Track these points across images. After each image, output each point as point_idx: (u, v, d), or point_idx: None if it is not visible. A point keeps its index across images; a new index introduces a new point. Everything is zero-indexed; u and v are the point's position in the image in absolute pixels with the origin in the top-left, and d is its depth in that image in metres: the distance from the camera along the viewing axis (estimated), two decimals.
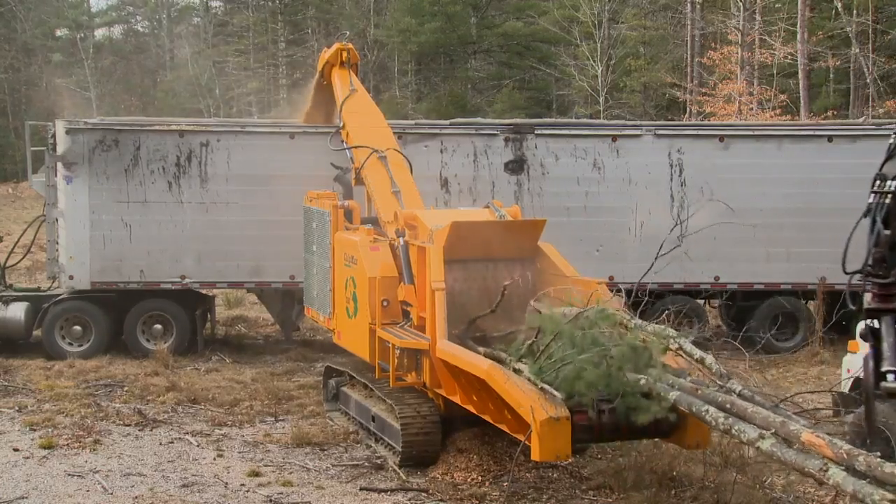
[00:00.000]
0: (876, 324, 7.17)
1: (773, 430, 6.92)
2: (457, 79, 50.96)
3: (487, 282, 10.36)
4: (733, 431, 7.20)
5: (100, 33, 67.15)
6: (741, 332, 14.41)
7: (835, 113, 33.92)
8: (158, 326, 15.55)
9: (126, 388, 13.42)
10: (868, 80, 34.30)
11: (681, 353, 8.37)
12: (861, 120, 19.01)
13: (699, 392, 7.78)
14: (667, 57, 43.94)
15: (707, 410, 7.49)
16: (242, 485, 9.62)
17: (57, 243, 15.42)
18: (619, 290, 10.35)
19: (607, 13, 42.96)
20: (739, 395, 7.52)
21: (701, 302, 16.57)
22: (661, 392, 7.90)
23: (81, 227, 15.22)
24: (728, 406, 7.42)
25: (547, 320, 8.70)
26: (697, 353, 8.23)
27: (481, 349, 9.44)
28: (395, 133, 13.75)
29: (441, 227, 10.21)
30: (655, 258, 10.04)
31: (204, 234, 15.38)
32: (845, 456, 6.41)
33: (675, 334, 8.45)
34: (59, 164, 15.19)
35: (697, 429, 8.42)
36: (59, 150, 15.17)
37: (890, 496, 6.00)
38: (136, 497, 9.24)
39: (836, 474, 6.34)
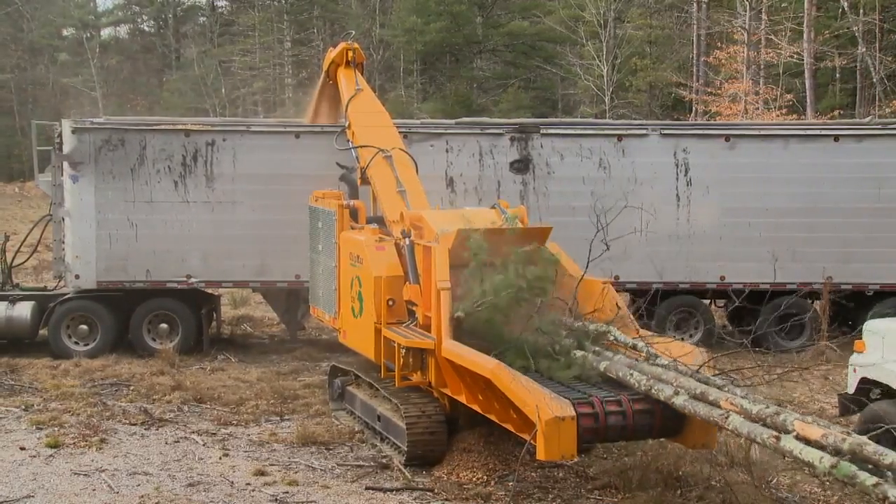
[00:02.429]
0: None
1: (683, 388, 8.00)
2: (462, 78, 50.96)
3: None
4: (653, 391, 8.22)
5: (106, 33, 67.39)
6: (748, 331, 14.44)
7: (841, 112, 33.88)
8: (164, 326, 15.57)
9: (132, 388, 13.43)
10: (874, 80, 34.27)
11: (616, 341, 9.36)
12: (867, 119, 18.96)
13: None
14: (672, 56, 43.94)
15: (632, 374, 8.56)
16: (248, 484, 9.63)
17: (63, 242, 15.43)
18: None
19: (613, 13, 42.95)
20: (664, 367, 8.59)
21: (707, 302, 16.58)
22: (594, 362, 9.00)
23: (87, 226, 15.25)
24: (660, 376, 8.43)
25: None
26: (630, 340, 9.21)
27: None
28: (400, 132, 13.73)
29: (447, 231, 10.20)
30: (587, 263, 10.25)
31: (209, 233, 15.38)
32: (756, 419, 7.30)
33: (606, 328, 9.49)
34: (66, 164, 15.22)
35: (703, 429, 8.44)
36: (66, 149, 15.20)
37: (775, 434, 7.04)
38: (142, 496, 9.25)
39: (735, 420, 7.38)
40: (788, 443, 6.94)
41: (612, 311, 10.02)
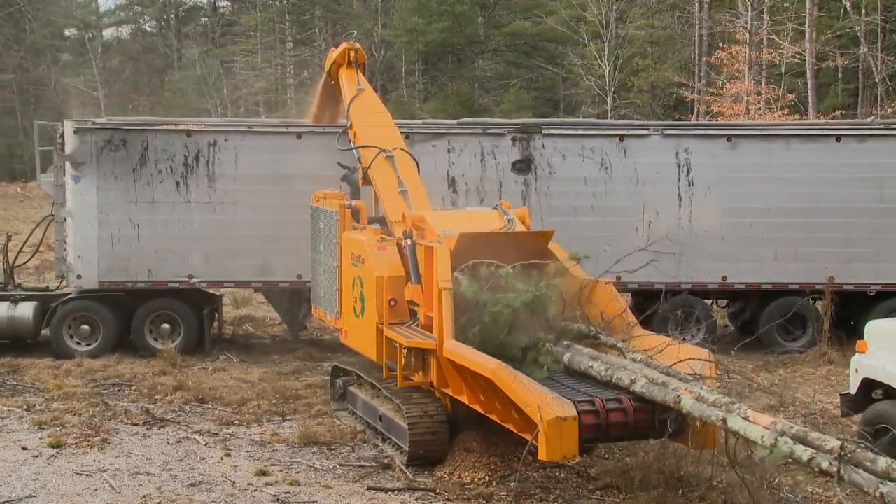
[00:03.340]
0: None
1: (644, 376, 8.50)
2: (464, 78, 50.98)
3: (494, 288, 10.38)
4: (614, 380, 8.70)
5: (108, 33, 67.46)
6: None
7: (843, 112, 33.86)
8: (166, 326, 15.57)
9: (134, 388, 13.44)
10: (877, 80, 34.25)
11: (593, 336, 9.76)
12: (869, 119, 18.94)
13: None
14: (674, 56, 43.94)
15: (591, 366, 9.02)
16: (250, 484, 9.64)
17: (65, 243, 15.44)
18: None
19: (615, 13, 42.94)
20: (634, 361, 9.00)
21: (708, 302, 16.58)
22: (557, 354, 9.43)
23: (89, 226, 15.25)
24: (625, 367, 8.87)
25: (467, 290, 9.62)
26: (609, 338, 9.69)
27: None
28: (402, 132, 13.72)
29: (449, 233, 10.20)
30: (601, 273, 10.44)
31: (211, 233, 15.39)
32: (710, 405, 7.86)
33: (586, 328, 9.84)
34: (68, 164, 15.22)
35: (705, 429, 8.43)
36: (68, 149, 15.20)
37: (723, 415, 7.64)
38: (144, 496, 9.26)
39: (687, 403, 7.98)
40: (734, 422, 7.54)
41: (611, 310, 10.05)
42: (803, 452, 7.01)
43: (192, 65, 57.35)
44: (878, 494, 6.58)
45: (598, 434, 8.43)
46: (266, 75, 52.32)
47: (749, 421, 7.47)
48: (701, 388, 8.13)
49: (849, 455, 6.81)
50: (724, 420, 7.60)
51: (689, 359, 8.93)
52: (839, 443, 6.93)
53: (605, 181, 15.70)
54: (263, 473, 9.90)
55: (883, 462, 6.71)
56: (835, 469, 6.77)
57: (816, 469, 6.96)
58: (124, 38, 68.05)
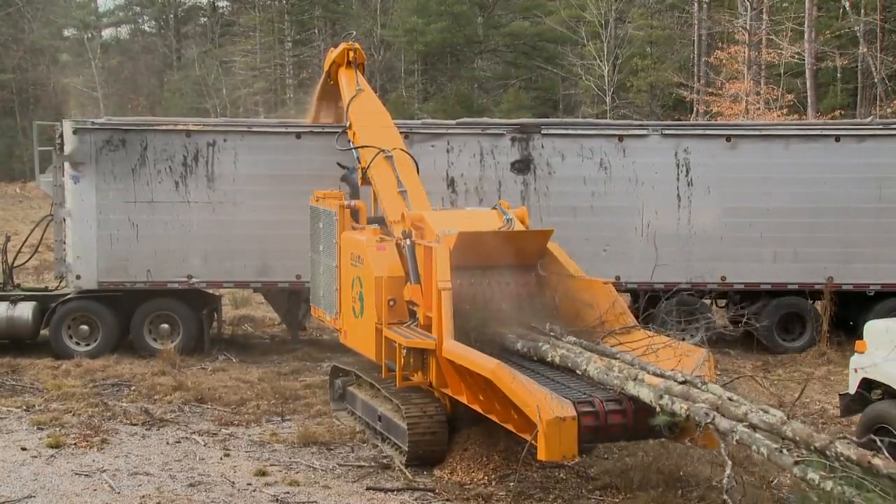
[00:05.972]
0: None
1: (568, 351, 9.25)
2: (463, 78, 51.00)
3: (494, 288, 10.38)
4: (569, 364, 9.18)
5: (107, 33, 67.47)
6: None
7: (842, 112, 33.88)
8: (165, 326, 15.56)
9: (133, 388, 13.44)
10: (876, 80, 34.27)
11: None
12: (868, 120, 18.94)
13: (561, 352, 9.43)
14: (673, 56, 43.98)
15: (518, 341, 9.80)
16: (249, 484, 9.64)
17: (64, 243, 15.43)
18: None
19: (614, 13, 42.98)
20: (582, 345, 9.57)
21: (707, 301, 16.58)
22: (496, 337, 10.03)
23: (88, 226, 15.24)
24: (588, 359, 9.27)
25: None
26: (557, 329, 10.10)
27: None
28: (401, 133, 13.72)
29: (448, 232, 10.20)
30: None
31: (211, 233, 15.38)
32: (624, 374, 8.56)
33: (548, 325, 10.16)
34: (67, 164, 15.22)
35: (705, 429, 8.43)
36: (67, 149, 15.20)
37: (619, 384, 8.44)
38: (143, 496, 9.26)
39: (591, 368, 8.81)
40: (628, 387, 8.36)
41: (608, 309, 10.07)
42: (681, 408, 7.79)
43: (191, 65, 57.41)
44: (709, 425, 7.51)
45: (598, 434, 8.42)
46: (265, 75, 52.35)
47: (642, 384, 8.22)
48: (624, 362, 8.73)
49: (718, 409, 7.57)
50: (621, 387, 8.40)
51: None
52: (715, 396, 7.69)
53: (605, 181, 15.70)
54: (263, 473, 9.90)
55: (745, 407, 7.51)
56: (708, 419, 7.50)
57: (696, 420, 7.64)
58: (123, 39, 68.11)
